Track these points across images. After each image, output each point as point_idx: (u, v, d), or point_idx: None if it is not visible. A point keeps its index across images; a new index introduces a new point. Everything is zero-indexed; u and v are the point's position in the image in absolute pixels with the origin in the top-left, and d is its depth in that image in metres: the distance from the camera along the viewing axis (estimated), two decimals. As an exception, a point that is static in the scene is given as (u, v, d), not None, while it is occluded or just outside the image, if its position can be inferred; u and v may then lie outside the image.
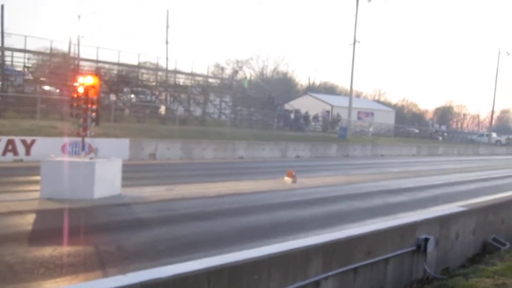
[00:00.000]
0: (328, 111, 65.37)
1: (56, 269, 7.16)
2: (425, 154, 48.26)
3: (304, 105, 62.42)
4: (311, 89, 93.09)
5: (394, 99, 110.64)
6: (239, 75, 75.29)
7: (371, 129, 59.62)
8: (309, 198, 15.65)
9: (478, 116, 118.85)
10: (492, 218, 12.58)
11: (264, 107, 49.02)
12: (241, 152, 30.79)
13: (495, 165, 38.69)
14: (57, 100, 31.25)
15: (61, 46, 45.30)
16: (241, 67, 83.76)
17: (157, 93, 43.87)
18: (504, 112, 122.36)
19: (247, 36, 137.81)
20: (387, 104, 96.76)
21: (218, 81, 58.26)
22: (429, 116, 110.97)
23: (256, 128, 41.45)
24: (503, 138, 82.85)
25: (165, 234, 9.84)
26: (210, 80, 56.76)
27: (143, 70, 47.64)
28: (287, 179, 18.78)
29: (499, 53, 70.63)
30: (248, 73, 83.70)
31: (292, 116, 50.60)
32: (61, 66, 40.17)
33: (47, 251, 7.96)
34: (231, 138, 32.33)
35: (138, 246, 8.81)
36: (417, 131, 74.69)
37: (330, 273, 7.07)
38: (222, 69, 73.75)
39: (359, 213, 13.61)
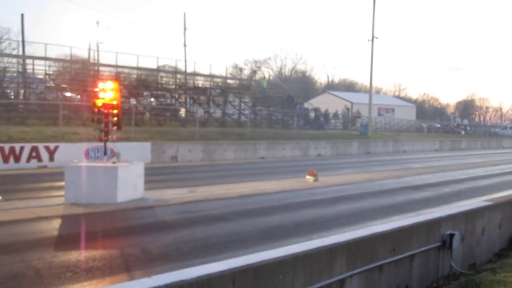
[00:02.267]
0: (348, 108, 65.02)
1: (83, 273, 7.25)
2: (447, 149, 47.76)
3: (324, 103, 62.18)
4: (330, 87, 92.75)
5: (415, 94, 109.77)
6: (258, 75, 75.36)
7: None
8: (331, 196, 15.59)
9: (501, 108, 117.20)
10: (518, 211, 12.38)
11: (284, 107, 48.93)
12: (262, 152, 30.80)
13: (520, 158, 38.12)
14: (79, 106, 31.60)
15: (81, 53, 45.90)
16: (259, 67, 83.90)
17: (176, 96, 44.08)
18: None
19: (265, 36, 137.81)
20: (407, 100, 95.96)
21: (237, 82, 58.31)
22: (450, 110, 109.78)
23: (276, 127, 41.41)
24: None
25: (189, 236, 9.89)
26: (229, 81, 56.89)
27: (162, 74, 47.94)
28: (309, 178, 18.74)
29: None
30: (267, 73, 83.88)
31: (312, 114, 50.40)
32: (81, 72, 40.64)
33: (73, 256, 8.07)
34: (252, 138, 32.35)
35: (162, 249, 8.87)
36: (438, 125, 73.89)
37: (355, 271, 7.03)
38: (241, 69, 73.70)
39: (383, 210, 13.53)
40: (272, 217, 12.12)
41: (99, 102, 13.64)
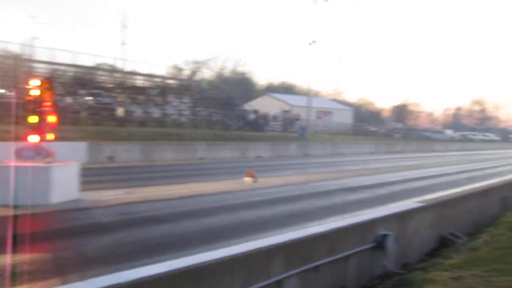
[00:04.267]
0: (287, 111, 65.76)
1: (11, 277, 6.96)
2: (383, 152, 49.10)
3: (264, 105, 62.64)
4: (270, 89, 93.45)
5: (352, 98, 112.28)
6: (198, 76, 74.99)
7: None
8: (270, 197, 15.70)
9: (432, 113, 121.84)
10: (448, 212, 12.88)
11: (224, 108, 48.95)
12: (201, 153, 30.65)
13: (450, 161, 39.67)
14: (11, 103, 30.41)
15: (16, 48, 44.15)
16: (199, 68, 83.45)
17: (114, 95, 43.23)
18: (458, 109, 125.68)
19: (205, 37, 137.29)
20: (345, 103, 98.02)
21: (177, 82, 57.80)
22: (386, 114, 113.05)
23: (215, 129, 41.37)
24: (456, 134, 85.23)
25: (126, 238, 9.71)
26: (169, 81, 56.32)
27: (100, 72, 46.88)
28: (248, 179, 18.81)
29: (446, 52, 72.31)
30: (207, 74, 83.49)
31: (252, 116, 50.69)
32: (14, 68, 39.13)
33: (1, 260, 7.73)
34: (191, 139, 32.16)
35: (98, 251, 8.66)
36: (374, 129, 75.94)
37: (292, 272, 7.10)
38: (181, 70, 73.27)
39: (320, 211, 13.73)
40: (211, 218, 12.08)
41: (32, 100, 13.18)
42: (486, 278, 7.85)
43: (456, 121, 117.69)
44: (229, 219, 11.99)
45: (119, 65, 50.50)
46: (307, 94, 51.93)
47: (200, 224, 11.30)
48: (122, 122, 36.64)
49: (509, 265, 8.61)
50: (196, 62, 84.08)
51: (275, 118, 55.51)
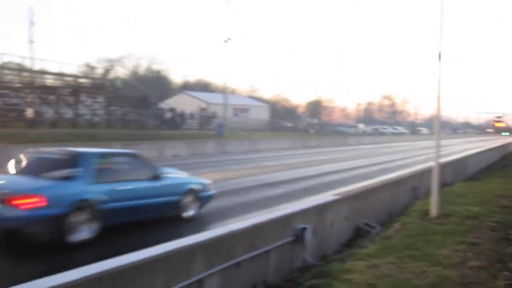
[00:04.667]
0: (204, 109, 65.61)
1: None
2: (299, 147, 50.05)
3: (180, 103, 62.18)
4: (186, 87, 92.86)
5: (268, 94, 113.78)
6: (112, 75, 73.14)
7: None
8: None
9: (346, 108, 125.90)
10: (362, 204, 13.34)
11: (139, 107, 48.07)
12: (116, 154, 29.88)
13: (363, 154, 41.12)
14: None
15: None
16: (113, 66, 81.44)
17: (23, 95, 41.31)
18: (369, 104, 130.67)
19: (119, 34, 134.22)
20: (261, 100, 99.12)
21: (90, 81, 56.06)
22: (301, 110, 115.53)
23: (131, 128, 40.57)
24: (368, 128, 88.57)
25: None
26: (81, 80, 54.50)
27: (6, 71, 44.60)
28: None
29: (361, 49, 74.62)
30: (121, 72, 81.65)
31: (168, 114, 50.15)
32: None
33: None
34: (106, 139, 31.31)
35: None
36: (290, 125, 77.38)
37: (213, 270, 7.09)
38: (93, 68, 71.12)
39: (239, 208, 13.82)
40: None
41: None
42: (399, 265, 8.22)
43: (367, 116, 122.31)
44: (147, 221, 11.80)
45: (27, 64, 48.32)
46: (223, 91, 52.00)
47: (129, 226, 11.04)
48: (32, 123, 35.10)
49: (420, 251, 9.06)
50: (109, 60, 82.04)
51: (192, 116, 55.25)
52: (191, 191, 12.08)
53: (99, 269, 5.42)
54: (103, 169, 10.14)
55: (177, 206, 11.68)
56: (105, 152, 11.26)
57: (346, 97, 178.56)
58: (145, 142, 33.05)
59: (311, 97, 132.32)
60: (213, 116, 57.43)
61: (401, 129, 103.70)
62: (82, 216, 9.23)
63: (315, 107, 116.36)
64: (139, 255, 6.00)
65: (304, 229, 9.47)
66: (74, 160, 9.91)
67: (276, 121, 77.41)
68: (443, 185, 18.46)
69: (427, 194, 13.81)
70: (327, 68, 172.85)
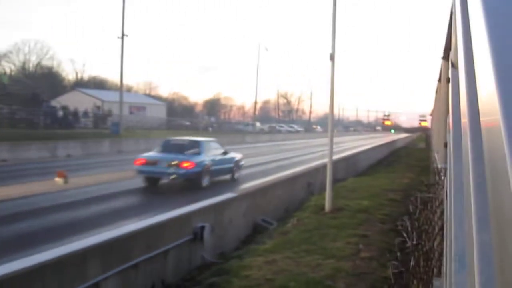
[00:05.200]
0: (98, 107, 63.60)
1: None
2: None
3: (73, 101, 59.76)
4: (80, 84, 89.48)
5: (165, 92, 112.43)
6: (-3, 70, 68.84)
7: None
8: (84, 197, 15.05)
9: (243, 107, 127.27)
10: (260, 201, 13.59)
11: (29, 105, 45.61)
12: (3, 155, 28.18)
13: (261, 152, 41.75)
14: None
15: None
16: (-2, 62, 76.73)
17: None
18: (266, 102, 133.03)
19: (5, 27, 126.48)
20: (158, 98, 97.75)
21: (-28, 77, 52.42)
22: (199, 108, 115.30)
23: (20, 127, 38.45)
24: (265, 127, 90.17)
25: None
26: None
27: None
28: (58, 180, 17.79)
29: (259, 48, 76.10)
30: (8, 67, 77.18)
31: (61, 113, 48.09)
32: None
33: None
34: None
35: None
36: (188, 123, 76.99)
37: (110, 273, 6.90)
38: (-24, 63, 66.57)
39: (137, 208, 13.56)
40: (19, 224, 11.20)
41: None
42: (296, 259, 8.45)
43: (264, 114, 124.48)
44: (40, 224, 11.26)
45: None
46: (119, 89, 50.70)
47: (6, 232, 10.42)
48: None
49: (315, 245, 9.37)
50: (-7, 55, 77.14)
51: (86, 114, 53.36)
52: (236, 162, 20.27)
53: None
54: (209, 148, 18.45)
55: (231, 170, 19.81)
56: (208, 140, 20.01)
57: (244, 95, 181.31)
58: (36, 142, 31.44)
59: (209, 95, 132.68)
60: (109, 114, 55.78)
61: (296, 127, 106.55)
62: (206, 173, 17.39)
63: (213, 105, 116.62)
64: (27, 262, 5.71)
65: (202, 227, 9.47)
66: (196, 144, 18.30)
67: (174, 119, 76.65)
68: (336, 180, 19.25)
69: (322, 189, 14.32)
70: (224, 65, 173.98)
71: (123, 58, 45.63)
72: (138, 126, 58.40)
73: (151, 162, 17.64)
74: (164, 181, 17.60)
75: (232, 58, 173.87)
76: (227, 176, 19.56)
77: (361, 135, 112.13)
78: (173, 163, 16.70)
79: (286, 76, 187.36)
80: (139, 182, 18.68)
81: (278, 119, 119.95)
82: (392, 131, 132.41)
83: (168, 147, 18.44)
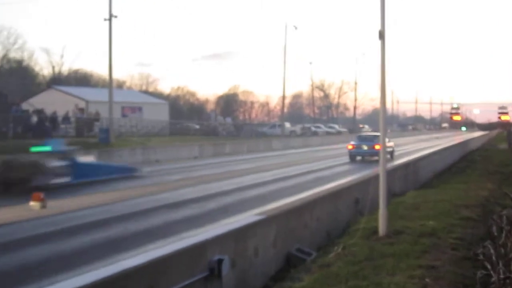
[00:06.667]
0: (82, 109, 64.15)
1: None
2: (209, 155, 49.95)
3: (50, 102, 60.35)
4: (58, 80, 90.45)
5: (167, 88, 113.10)
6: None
7: None
8: (67, 225, 15.21)
9: (268, 103, 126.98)
10: (294, 224, 13.54)
11: (-6, 109, 46.37)
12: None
13: (293, 160, 41.70)
14: None
15: None
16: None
17: None
18: (297, 96, 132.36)
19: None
20: (158, 95, 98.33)
21: None
22: (210, 106, 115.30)
23: (-17, 138, 39.01)
24: (297, 128, 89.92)
25: None
26: None
27: None
28: (34, 204, 17.99)
29: (286, 28, 75.52)
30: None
31: (35, 119, 48.66)
32: None
33: None
34: None
35: None
36: (197, 126, 77.22)
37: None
38: None
39: (136, 237, 13.62)
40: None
41: None
42: (342, 300, 8.40)
43: (295, 112, 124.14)
44: (13, 261, 11.41)
45: None
46: (107, 85, 51.02)
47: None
48: None
49: (367, 280, 9.31)
50: None
51: (66, 119, 53.87)
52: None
53: None
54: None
55: (391, 153, 37.04)
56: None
57: (268, 89, 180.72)
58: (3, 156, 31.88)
59: (223, 90, 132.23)
60: (95, 118, 56.19)
61: (337, 127, 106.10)
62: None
63: (228, 103, 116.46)
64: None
65: (220, 260, 9.48)
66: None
67: (178, 121, 77.05)
68: (393, 195, 19.13)
69: (374, 207, 14.22)
70: (242, 51, 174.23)
71: (111, 46, 45.87)
72: (134, 132, 58.79)
73: (358, 146, 37.87)
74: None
75: (252, 42, 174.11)
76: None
77: (423, 134, 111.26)
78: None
79: (322, 63, 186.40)
80: (140, 203, 18.80)
81: (314, 118, 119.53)
82: (463, 128, 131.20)
83: (366, 137, 39.72)
